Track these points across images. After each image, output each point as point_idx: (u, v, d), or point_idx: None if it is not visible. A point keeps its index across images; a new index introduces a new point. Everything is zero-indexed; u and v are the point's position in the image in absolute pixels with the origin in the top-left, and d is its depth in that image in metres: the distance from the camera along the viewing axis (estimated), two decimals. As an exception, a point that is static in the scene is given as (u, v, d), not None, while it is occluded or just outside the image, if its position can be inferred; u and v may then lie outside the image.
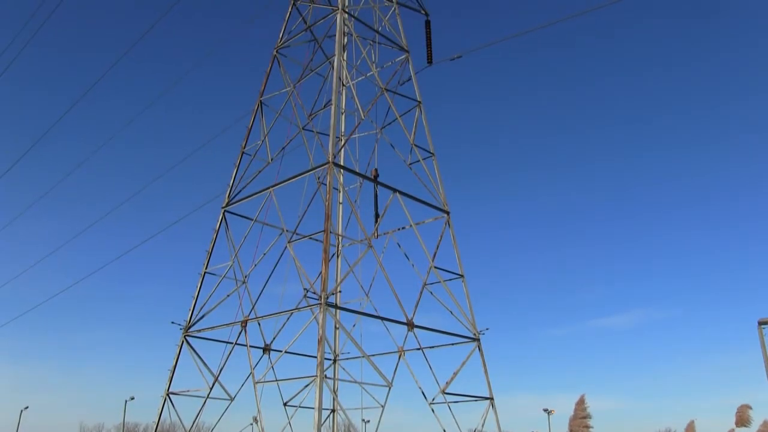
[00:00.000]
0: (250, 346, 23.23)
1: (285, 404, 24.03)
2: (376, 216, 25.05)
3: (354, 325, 25.52)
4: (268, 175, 26.06)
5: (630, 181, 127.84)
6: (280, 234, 24.65)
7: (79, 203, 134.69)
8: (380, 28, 29.07)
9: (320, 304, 19.89)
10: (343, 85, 27.79)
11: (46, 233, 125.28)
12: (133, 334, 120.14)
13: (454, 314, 24.73)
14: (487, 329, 25.33)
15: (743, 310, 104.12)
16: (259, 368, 23.30)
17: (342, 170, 23.79)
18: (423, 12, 31.69)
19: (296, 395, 22.78)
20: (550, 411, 53.44)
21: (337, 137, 24.86)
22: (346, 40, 29.40)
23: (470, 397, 23.93)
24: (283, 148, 26.50)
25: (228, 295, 25.11)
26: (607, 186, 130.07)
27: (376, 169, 25.07)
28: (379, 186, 24.88)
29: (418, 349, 23.02)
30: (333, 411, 26.88)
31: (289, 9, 29.39)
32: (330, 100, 25.79)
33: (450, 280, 25.23)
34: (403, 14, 30.74)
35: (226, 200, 26.71)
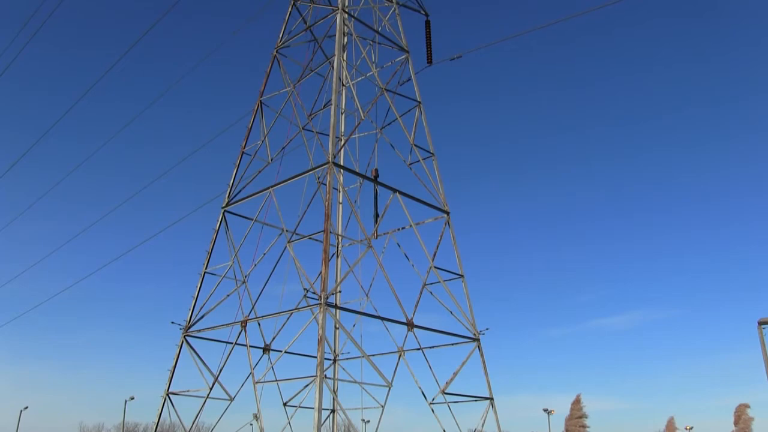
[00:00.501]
0: (250, 346, 23.24)
1: (285, 404, 24.04)
2: (376, 216, 25.06)
3: (354, 325, 25.63)
4: (268, 175, 26.14)
5: (630, 181, 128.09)
6: (280, 234, 24.65)
7: (79, 203, 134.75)
8: (380, 28, 29.11)
9: (320, 304, 19.90)
10: (343, 85, 27.78)
11: (46, 233, 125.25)
12: (133, 334, 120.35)
13: (454, 314, 24.78)
14: (487, 329, 25.42)
15: (743, 310, 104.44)
16: (259, 368, 23.36)
17: (342, 170, 23.80)
18: (423, 12, 31.70)
19: (296, 395, 22.84)
20: (550, 411, 53.50)
21: (337, 137, 24.88)
22: (346, 40, 29.40)
23: (470, 397, 23.96)
24: (283, 148, 26.55)
25: (228, 295, 25.16)
26: (607, 186, 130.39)
27: (376, 169, 25.07)
28: (379, 186, 24.89)
29: (418, 349, 23.06)
30: (333, 411, 26.90)
31: (289, 9, 29.39)
32: (330, 100, 25.80)
33: (450, 280, 25.26)
34: (403, 14, 30.81)
35: (226, 200, 26.71)
